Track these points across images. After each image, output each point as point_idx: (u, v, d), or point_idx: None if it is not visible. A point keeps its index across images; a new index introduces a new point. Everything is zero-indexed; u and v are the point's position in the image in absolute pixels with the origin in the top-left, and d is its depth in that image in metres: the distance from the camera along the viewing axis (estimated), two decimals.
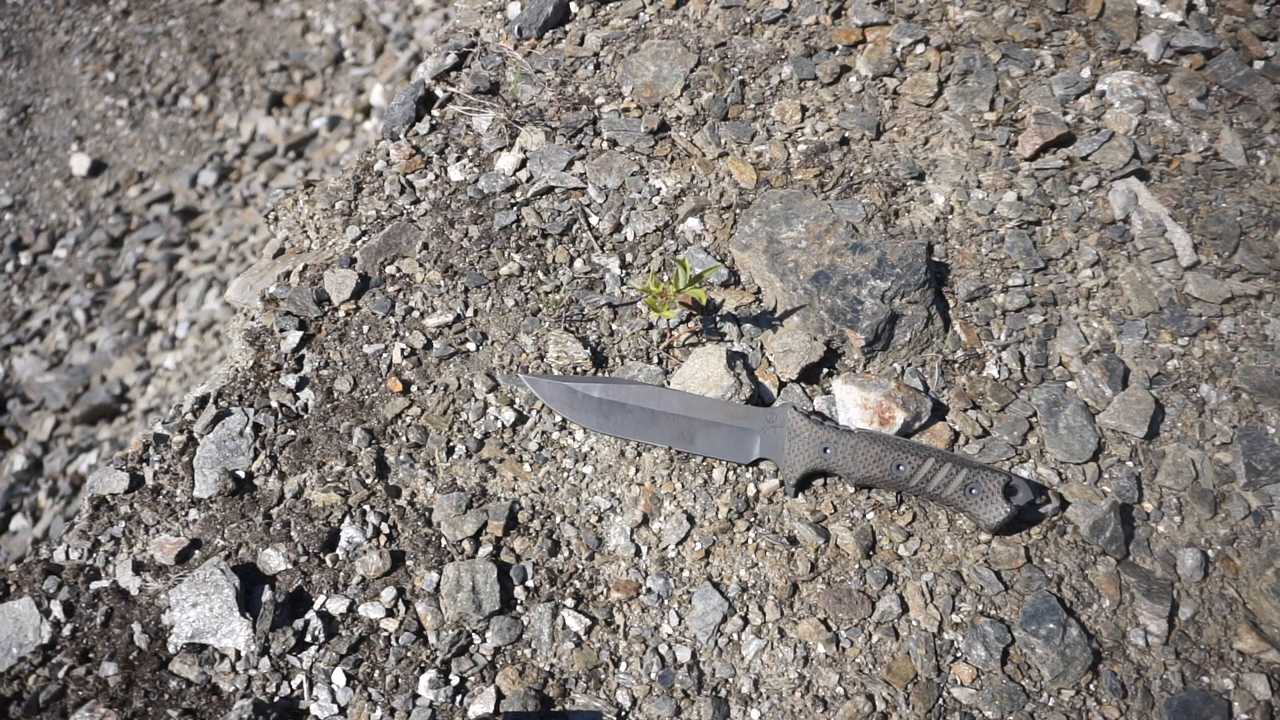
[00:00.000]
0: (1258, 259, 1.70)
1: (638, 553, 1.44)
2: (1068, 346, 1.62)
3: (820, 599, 1.38)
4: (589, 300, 1.73)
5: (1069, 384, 1.58)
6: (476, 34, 2.32)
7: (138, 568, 1.42)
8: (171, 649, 1.35)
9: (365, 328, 1.71)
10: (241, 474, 1.52)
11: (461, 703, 1.30)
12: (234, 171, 5.37)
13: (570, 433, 1.57)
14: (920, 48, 2.06)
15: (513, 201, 1.89)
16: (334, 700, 1.30)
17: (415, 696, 1.30)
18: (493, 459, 1.54)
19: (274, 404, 1.61)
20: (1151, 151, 1.86)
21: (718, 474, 1.51)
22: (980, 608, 1.36)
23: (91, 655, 1.34)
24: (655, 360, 1.66)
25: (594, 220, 1.85)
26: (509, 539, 1.45)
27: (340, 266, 1.79)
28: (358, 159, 2.05)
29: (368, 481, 1.51)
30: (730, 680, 1.32)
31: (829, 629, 1.35)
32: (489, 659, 1.34)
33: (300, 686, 1.31)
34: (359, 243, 1.85)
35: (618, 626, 1.37)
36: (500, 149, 1.99)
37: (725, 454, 1.49)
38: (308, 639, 1.34)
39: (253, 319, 1.77)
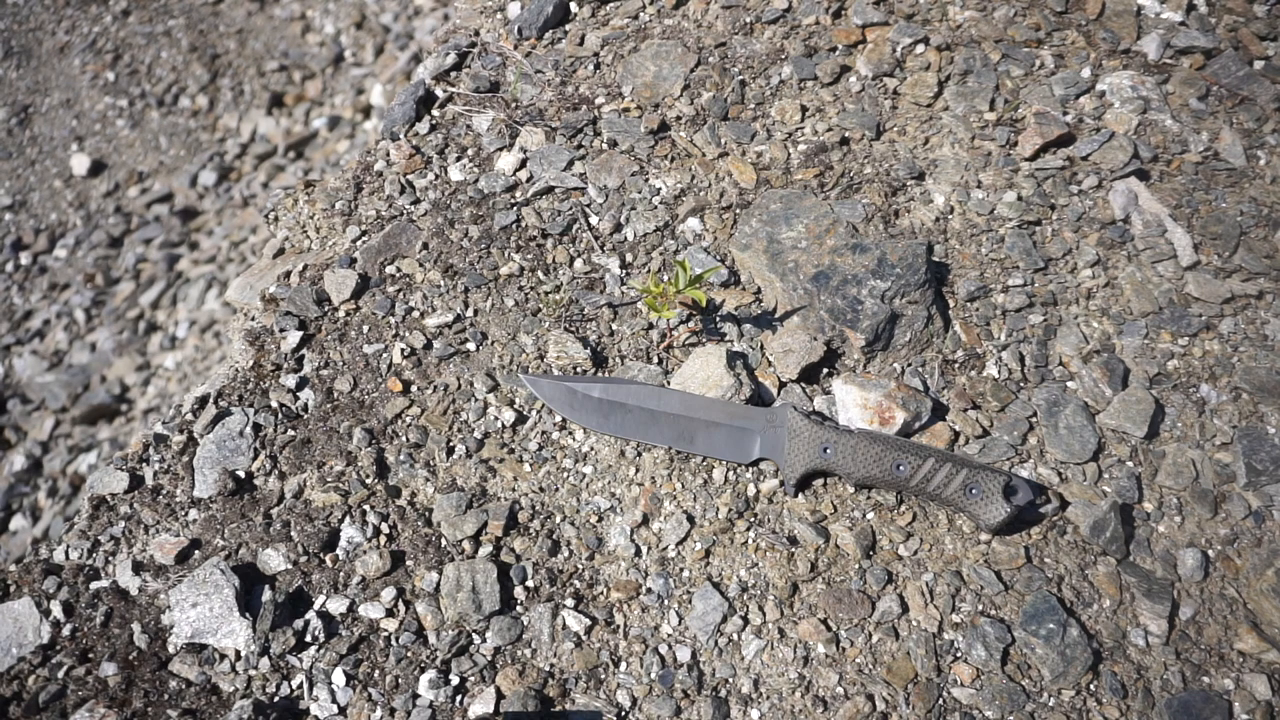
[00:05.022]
0: (1258, 259, 1.70)
1: (638, 553, 1.44)
2: (1068, 346, 1.62)
3: (820, 599, 1.38)
4: (589, 300, 1.72)
5: (1069, 384, 1.58)
6: (476, 34, 2.32)
7: (138, 568, 1.42)
8: (171, 649, 1.35)
9: (365, 328, 1.71)
10: (241, 474, 1.52)
11: (461, 703, 1.30)
12: (234, 171, 5.37)
13: (570, 433, 1.57)
14: (920, 48, 2.06)
15: (513, 201, 1.89)
16: (334, 700, 1.30)
17: (415, 696, 1.30)
18: (493, 459, 1.54)
19: (274, 404, 1.61)
20: (1151, 151, 1.86)
21: (718, 474, 1.51)
22: (980, 608, 1.36)
23: (91, 655, 1.34)
24: (655, 360, 1.66)
25: (594, 220, 1.85)
26: (509, 539, 1.45)
27: (340, 266, 1.79)
28: (358, 159, 2.05)
29: (368, 481, 1.51)
30: (730, 680, 1.32)
31: (829, 629, 1.35)
32: (489, 659, 1.34)
33: (300, 686, 1.31)
34: (359, 243, 1.85)
35: (618, 626, 1.37)
36: (500, 149, 1.99)
37: (725, 454, 1.49)
38: (308, 639, 1.34)
39: (253, 319, 1.77)
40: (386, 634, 1.35)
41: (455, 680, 1.31)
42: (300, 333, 1.69)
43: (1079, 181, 1.83)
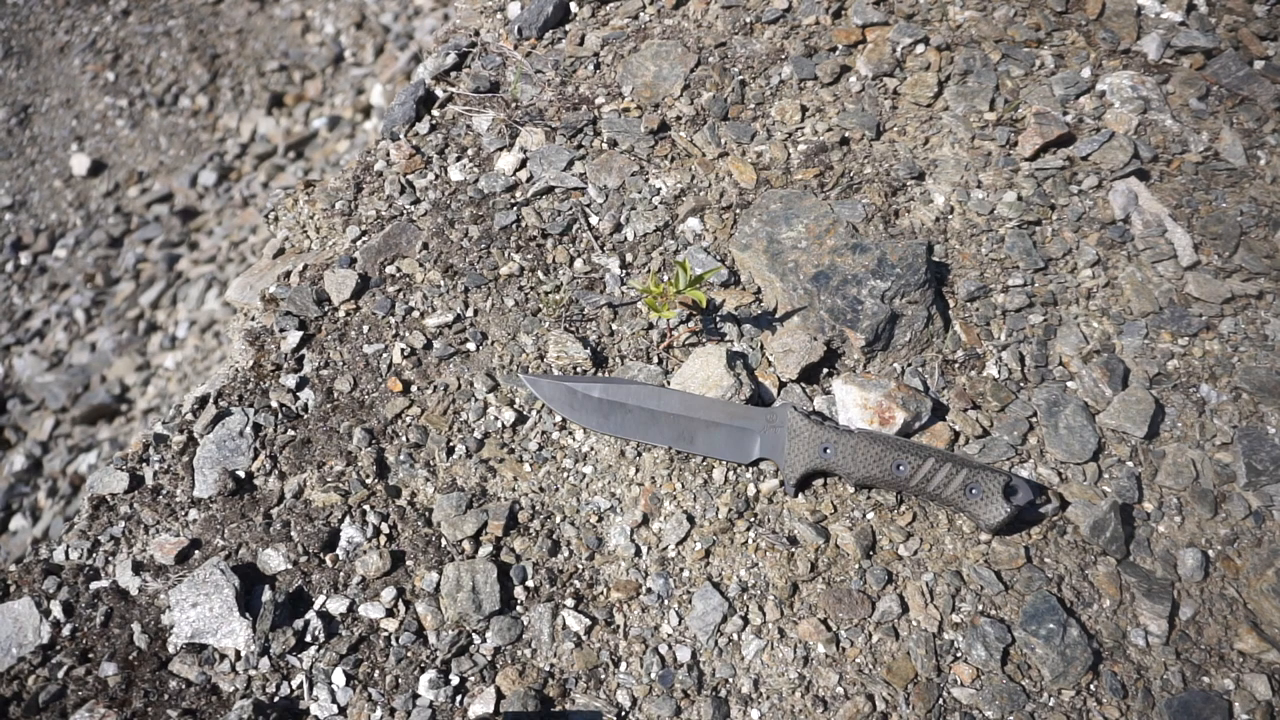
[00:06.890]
0: (1258, 259, 1.70)
1: (638, 553, 1.44)
2: (1068, 346, 1.62)
3: (820, 599, 1.38)
4: (589, 300, 1.72)
5: (1069, 384, 1.58)
6: (476, 34, 2.32)
7: (138, 568, 1.42)
8: (171, 649, 1.35)
9: (365, 328, 1.71)
10: (241, 474, 1.52)
11: (461, 703, 1.30)
12: (234, 171, 5.37)
13: (570, 433, 1.57)
14: (920, 48, 2.06)
15: (513, 201, 1.89)
16: (334, 700, 1.30)
17: (415, 696, 1.30)
18: (493, 459, 1.54)
19: (274, 404, 1.61)
20: (1152, 151, 1.86)
21: (718, 474, 1.51)
22: (980, 608, 1.36)
23: (91, 655, 1.34)
24: (655, 360, 1.66)
25: (594, 220, 1.85)
26: (509, 539, 1.45)
27: (340, 266, 1.79)
28: (358, 159, 2.05)
29: (368, 481, 1.51)
30: (730, 680, 1.32)
31: (829, 629, 1.35)
32: (489, 659, 1.34)
33: (300, 686, 1.31)
34: (359, 243, 1.85)
35: (618, 626, 1.37)
36: (500, 149, 1.99)
37: (725, 454, 1.49)
38: (308, 639, 1.34)
39: (253, 319, 1.77)
40: (386, 634, 1.35)
41: (455, 680, 1.31)
42: (300, 333, 1.69)
43: (1079, 181, 1.83)
